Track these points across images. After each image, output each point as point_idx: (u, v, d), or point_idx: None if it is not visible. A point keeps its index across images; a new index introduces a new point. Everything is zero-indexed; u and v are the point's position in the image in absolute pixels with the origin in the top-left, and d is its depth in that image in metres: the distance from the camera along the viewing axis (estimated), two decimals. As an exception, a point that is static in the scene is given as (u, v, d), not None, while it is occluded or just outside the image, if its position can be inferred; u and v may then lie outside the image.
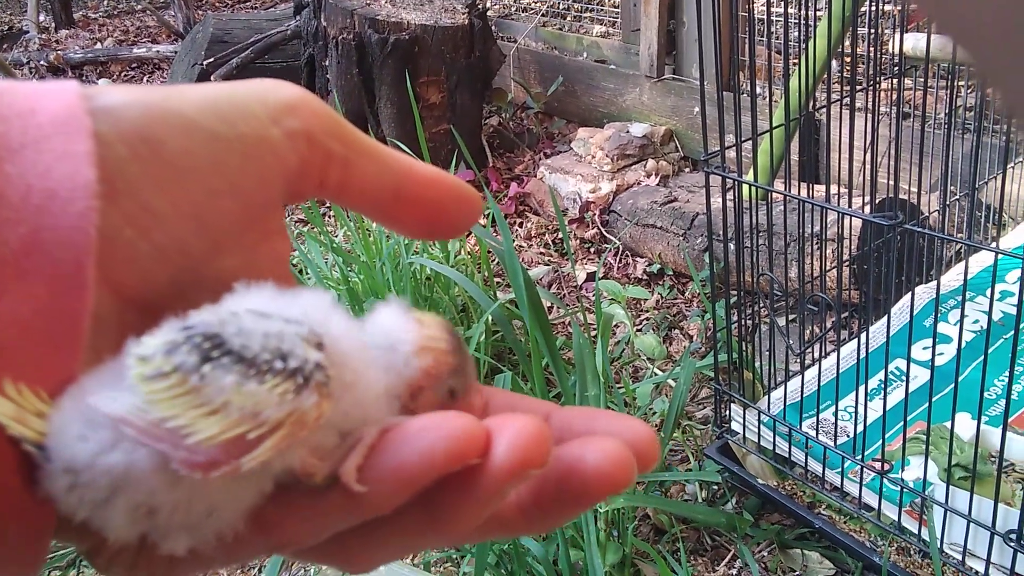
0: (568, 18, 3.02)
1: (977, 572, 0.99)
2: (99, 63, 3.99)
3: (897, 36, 1.20)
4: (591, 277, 1.96)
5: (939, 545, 1.01)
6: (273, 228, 0.25)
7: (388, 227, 0.28)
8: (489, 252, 1.77)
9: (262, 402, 0.20)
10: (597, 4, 2.90)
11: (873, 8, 1.20)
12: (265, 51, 2.86)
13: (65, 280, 0.21)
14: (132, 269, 0.23)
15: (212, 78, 2.66)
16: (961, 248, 1.44)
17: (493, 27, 2.77)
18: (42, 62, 3.95)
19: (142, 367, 0.20)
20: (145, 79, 3.90)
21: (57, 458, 0.20)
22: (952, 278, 1.39)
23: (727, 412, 1.25)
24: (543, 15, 3.02)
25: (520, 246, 2.14)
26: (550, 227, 2.21)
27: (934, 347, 0.98)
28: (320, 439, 0.21)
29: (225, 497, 0.21)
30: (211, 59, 2.83)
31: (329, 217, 2.34)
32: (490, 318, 1.46)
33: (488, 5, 3.00)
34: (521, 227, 2.24)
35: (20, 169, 0.21)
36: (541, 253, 2.12)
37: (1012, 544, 0.93)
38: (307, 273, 1.73)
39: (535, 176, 2.39)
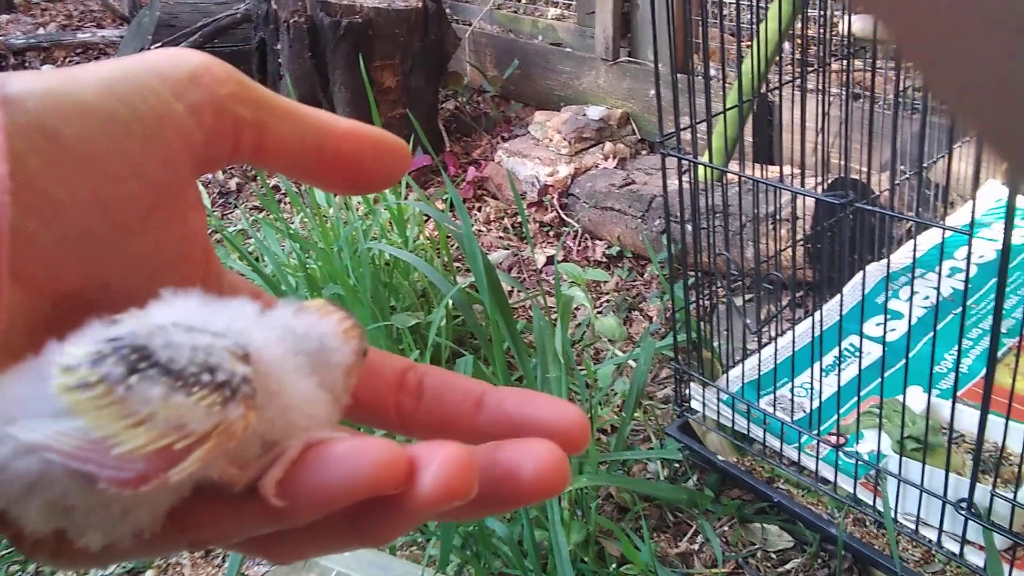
0: (523, 1, 3.01)
1: (930, 540, 1.02)
2: (42, 49, 3.88)
3: (846, 18, 1.22)
4: (551, 260, 1.96)
5: (893, 515, 1.04)
6: (186, 204, 0.25)
7: (312, 185, 0.28)
8: (448, 237, 1.76)
9: (188, 414, 0.20)
10: (551, -14, 2.90)
11: (823, -10, 1.22)
12: (214, 35, 2.80)
13: None
14: (38, 261, 0.22)
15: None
16: (911, 226, 1.47)
17: (447, 10, 2.75)
18: (-18, 48, 3.83)
19: (66, 377, 0.20)
20: (91, 65, 3.80)
21: None
22: (903, 256, 1.42)
23: (687, 391, 1.27)
24: (497, -2, 3.01)
25: (479, 230, 2.14)
26: (509, 211, 2.21)
27: (885, 323, 1.01)
28: (243, 449, 0.22)
29: (141, 500, 0.21)
30: (158, 44, 2.78)
31: (285, 203, 2.32)
32: (450, 303, 1.46)
33: (442, -12, 2.98)
34: (480, 211, 2.24)
35: None
36: (500, 237, 2.12)
37: (963, 512, 0.96)
38: (263, 260, 1.71)
39: (493, 160, 2.38)
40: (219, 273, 0.27)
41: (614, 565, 1.14)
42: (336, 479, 0.21)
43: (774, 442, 1.17)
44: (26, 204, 0.21)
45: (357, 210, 1.87)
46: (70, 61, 3.84)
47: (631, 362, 1.51)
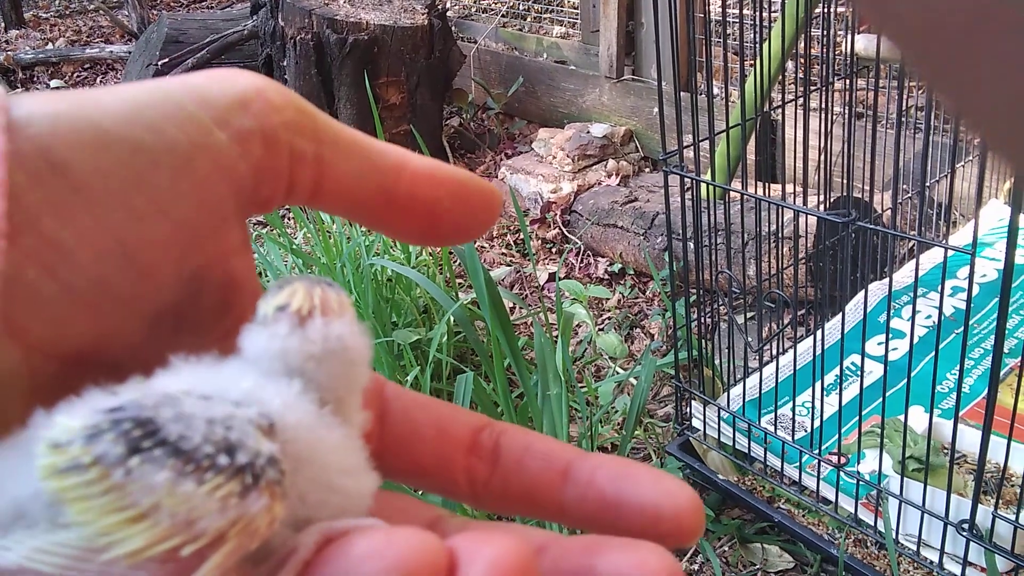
0: (528, 19, 3.03)
1: (931, 562, 1.01)
2: (51, 64, 3.91)
3: (849, 37, 1.22)
4: (552, 277, 1.96)
5: (894, 536, 1.03)
6: (228, 247, 0.21)
7: (381, 232, 0.24)
8: (451, 253, 1.77)
9: (199, 507, 0.16)
10: (557, 5, 2.92)
11: (826, 10, 1.22)
12: (221, 51, 2.82)
13: None
14: (40, 315, 0.19)
15: (168, 79, 2.62)
16: (913, 245, 1.47)
17: (453, 28, 2.76)
18: (-9, 62, 3.86)
19: (54, 456, 0.16)
20: (98, 80, 3.83)
21: None
22: (905, 275, 1.42)
23: (688, 409, 1.26)
24: (503, 16, 3.03)
25: (482, 247, 2.14)
26: (511, 228, 2.22)
27: (887, 343, 1.00)
28: (269, 542, 0.18)
29: None
30: (166, 59, 2.80)
31: (288, 219, 2.32)
32: (452, 319, 1.46)
33: (448, 5, 3.00)
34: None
35: None
36: (503, 254, 2.12)
37: (964, 534, 0.95)
38: (267, 275, 1.71)
39: (496, 177, 2.39)
40: None
41: (613, 584, 1.13)
42: None
43: (775, 461, 1.16)
44: (25, 249, 0.18)
45: (360, 226, 1.87)
46: (78, 76, 3.87)
47: (632, 380, 1.50)
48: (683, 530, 0.21)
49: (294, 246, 1.70)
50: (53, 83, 3.77)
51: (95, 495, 0.16)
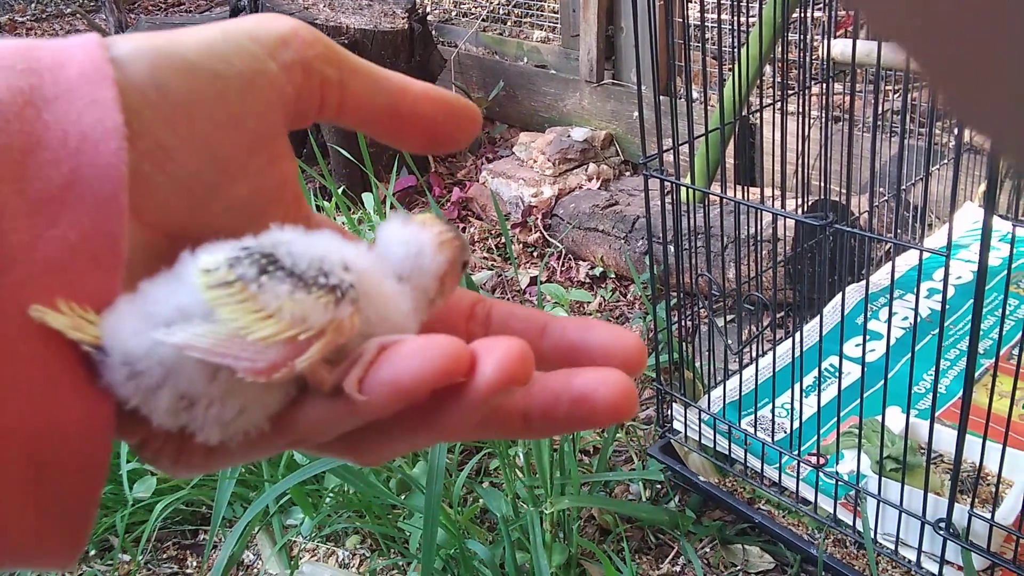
0: (508, 23, 3.04)
1: (910, 561, 1.02)
2: (27, 67, 3.87)
3: (826, 42, 1.24)
4: (534, 281, 1.97)
5: (873, 536, 1.04)
6: (278, 152, 0.28)
7: (390, 143, 0.30)
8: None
9: (309, 309, 0.24)
10: (537, 9, 2.92)
11: (803, 15, 1.24)
12: (201, 55, 2.81)
13: (105, 208, 0.24)
14: (153, 200, 0.25)
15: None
16: (890, 247, 1.49)
17: (433, 32, 2.76)
18: (-34, 66, 3.82)
19: (206, 277, 0.24)
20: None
21: (115, 352, 0.23)
22: (882, 277, 1.44)
23: (669, 411, 1.27)
24: (483, 20, 3.03)
25: (463, 251, 2.14)
26: (493, 232, 2.22)
27: (865, 344, 1.01)
28: (348, 345, 0.25)
29: (256, 397, 0.24)
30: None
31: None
32: (433, 323, 1.46)
33: (428, 10, 3.00)
34: (464, 232, 2.24)
35: (56, 116, 0.24)
36: (484, 258, 2.13)
37: (941, 532, 0.96)
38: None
39: (477, 181, 2.39)
40: (308, 215, 0.30)
41: (596, 586, 1.14)
42: (407, 373, 0.23)
43: (755, 463, 1.17)
44: (141, 150, 0.24)
45: (341, 230, 1.86)
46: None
47: (614, 382, 1.51)
48: (632, 362, 0.27)
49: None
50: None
51: (238, 302, 0.23)
